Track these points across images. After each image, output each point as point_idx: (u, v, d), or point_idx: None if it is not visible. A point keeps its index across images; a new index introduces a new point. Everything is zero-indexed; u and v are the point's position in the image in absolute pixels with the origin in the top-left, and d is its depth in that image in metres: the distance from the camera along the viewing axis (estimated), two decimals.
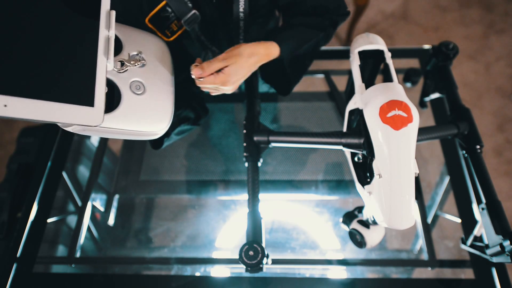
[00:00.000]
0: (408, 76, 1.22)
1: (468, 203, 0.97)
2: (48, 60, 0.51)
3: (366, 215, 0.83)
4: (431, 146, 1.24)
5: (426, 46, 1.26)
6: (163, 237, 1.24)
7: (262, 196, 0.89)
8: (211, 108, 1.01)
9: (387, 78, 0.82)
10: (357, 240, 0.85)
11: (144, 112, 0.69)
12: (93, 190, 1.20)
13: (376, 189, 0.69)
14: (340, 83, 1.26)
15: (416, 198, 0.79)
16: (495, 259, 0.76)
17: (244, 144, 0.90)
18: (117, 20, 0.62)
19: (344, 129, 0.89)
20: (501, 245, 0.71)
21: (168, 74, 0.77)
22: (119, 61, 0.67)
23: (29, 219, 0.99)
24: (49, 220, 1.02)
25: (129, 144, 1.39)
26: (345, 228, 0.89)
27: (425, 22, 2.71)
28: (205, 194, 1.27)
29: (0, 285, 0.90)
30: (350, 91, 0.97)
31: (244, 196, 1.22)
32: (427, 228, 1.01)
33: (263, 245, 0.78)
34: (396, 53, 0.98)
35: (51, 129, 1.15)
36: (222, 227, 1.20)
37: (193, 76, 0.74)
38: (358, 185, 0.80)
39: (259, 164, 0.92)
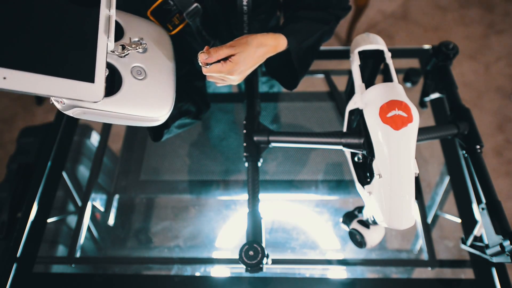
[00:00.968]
0: (408, 76, 1.22)
1: (468, 203, 0.97)
2: (49, 35, 0.52)
3: (366, 215, 0.83)
4: (431, 146, 1.24)
5: (426, 46, 1.26)
6: (163, 237, 1.24)
7: (262, 196, 0.89)
8: (211, 108, 1.01)
9: (387, 78, 0.82)
10: (357, 240, 0.85)
11: (145, 97, 0.68)
12: (93, 190, 1.20)
13: (376, 189, 0.69)
14: (340, 83, 1.26)
15: (416, 198, 0.80)
16: (495, 259, 0.76)
17: (244, 144, 0.90)
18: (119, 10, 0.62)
19: (344, 129, 0.89)
20: (501, 245, 0.71)
21: (169, 61, 0.77)
22: (120, 45, 0.67)
23: (29, 219, 0.99)
24: (49, 220, 1.02)
25: (129, 144, 1.38)
26: (345, 228, 0.89)
27: (425, 22, 2.71)
28: (205, 194, 1.27)
29: (0, 285, 0.90)
30: (350, 91, 0.97)
31: (244, 196, 1.22)
32: (427, 228, 1.01)
33: (263, 245, 0.78)
34: (396, 53, 0.98)
35: (51, 129, 1.15)
36: (222, 227, 1.20)
37: (200, 63, 0.72)
38: (358, 185, 0.80)
39: (259, 164, 0.92)
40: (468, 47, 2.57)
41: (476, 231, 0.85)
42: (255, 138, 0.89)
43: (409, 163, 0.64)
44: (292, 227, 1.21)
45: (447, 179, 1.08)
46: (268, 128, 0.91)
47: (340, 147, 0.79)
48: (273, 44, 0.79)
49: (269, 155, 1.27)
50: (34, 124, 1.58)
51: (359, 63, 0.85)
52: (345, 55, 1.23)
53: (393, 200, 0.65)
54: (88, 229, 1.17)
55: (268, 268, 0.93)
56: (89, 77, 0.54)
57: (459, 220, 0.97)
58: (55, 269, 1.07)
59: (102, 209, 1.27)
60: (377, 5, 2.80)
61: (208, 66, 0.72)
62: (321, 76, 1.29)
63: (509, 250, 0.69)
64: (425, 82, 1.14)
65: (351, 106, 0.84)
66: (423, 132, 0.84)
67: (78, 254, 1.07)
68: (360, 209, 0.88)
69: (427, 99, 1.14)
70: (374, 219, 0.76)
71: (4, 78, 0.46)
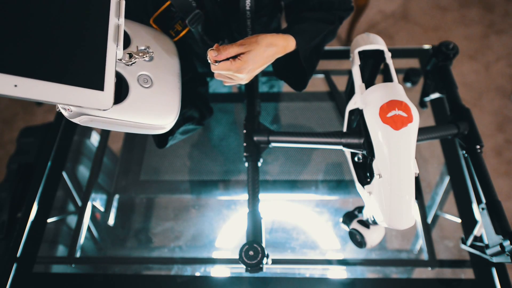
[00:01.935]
0: (408, 76, 1.22)
1: (468, 203, 0.97)
2: (60, 44, 0.52)
3: (366, 215, 0.83)
4: (431, 146, 1.24)
5: (426, 46, 1.26)
6: (163, 237, 1.24)
7: (262, 196, 0.89)
8: None
9: (387, 78, 0.82)
10: (357, 240, 0.85)
11: (152, 105, 0.69)
12: (93, 190, 1.20)
13: (376, 189, 0.69)
14: (340, 83, 1.26)
15: (416, 198, 0.79)
16: (495, 259, 0.76)
17: (244, 144, 0.90)
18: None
19: (344, 129, 0.89)
20: (501, 245, 0.71)
21: (175, 69, 0.77)
22: (127, 53, 0.68)
23: (29, 219, 0.99)
24: (49, 220, 1.02)
25: (129, 144, 1.38)
26: (345, 228, 0.89)
27: (425, 22, 2.71)
28: (205, 194, 1.27)
29: (0, 285, 0.90)
30: (350, 91, 0.97)
31: (244, 196, 1.22)
32: (427, 228, 1.01)
33: (263, 245, 0.78)
34: (396, 53, 0.98)
35: (51, 129, 1.15)
36: (222, 227, 1.20)
37: (209, 60, 0.72)
38: (358, 185, 0.80)
39: (259, 164, 0.92)
40: (468, 47, 2.57)
41: (476, 231, 0.85)
42: (255, 138, 0.89)
43: (409, 163, 0.64)
44: (292, 227, 1.21)
45: (447, 179, 1.08)
46: (268, 128, 0.91)
47: (340, 147, 0.79)
48: (282, 44, 0.78)
49: (269, 155, 1.27)
50: (34, 124, 1.58)
51: (359, 63, 0.85)
52: (345, 55, 1.23)
53: (393, 200, 0.65)
54: (88, 229, 1.17)
55: (268, 268, 0.93)
56: (99, 85, 0.55)
57: (459, 220, 0.97)
58: (55, 269, 1.07)
59: (102, 209, 1.27)
60: (377, 5, 2.80)
61: (217, 64, 0.72)
62: (321, 76, 1.29)
63: (509, 250, 0.69)
64: (425, 82, 1.14)
65: (351, 106, 0.84)
66: (423, 132, 0.84)
67: (78, 254, 1.07)
68: (360, 209, 0.88)
69: (427, 99, 1.14)
70: (374, 219, 0.76)
71: (15, 85, 0.46)
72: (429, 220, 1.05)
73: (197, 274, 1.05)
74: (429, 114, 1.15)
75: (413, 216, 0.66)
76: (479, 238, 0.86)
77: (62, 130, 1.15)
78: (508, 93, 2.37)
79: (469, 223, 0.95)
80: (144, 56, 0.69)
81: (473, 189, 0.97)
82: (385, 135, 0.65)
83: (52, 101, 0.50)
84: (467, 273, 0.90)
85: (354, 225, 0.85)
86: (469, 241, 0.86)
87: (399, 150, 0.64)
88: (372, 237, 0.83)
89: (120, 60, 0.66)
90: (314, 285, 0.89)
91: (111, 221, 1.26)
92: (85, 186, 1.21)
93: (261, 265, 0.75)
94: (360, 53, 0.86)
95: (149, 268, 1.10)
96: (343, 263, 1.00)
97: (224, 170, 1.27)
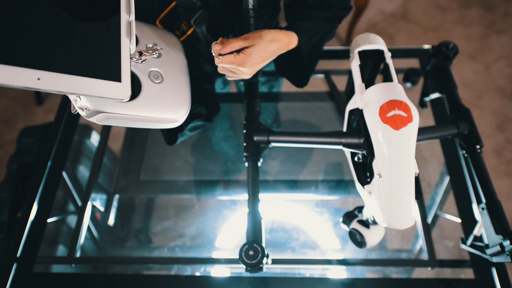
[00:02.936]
0: (408, 76, 1.22)
1: (468, 203, 0.97)
2: (78, 40, 0.56)
3: (366, 215, 0.83)
4: (431, 146, 1.24)
5: (426, 46, 1.26)
6: (163, 237, 1.24)
7: (262, 196, 0.89)
8: None
9: (387, 78, 0.82)
10: (357, 240, 0.85)
11: (164, 100, 0.72)
12: (93, 190, 1.20)
13: (376, 189, 0.69)
14: (340, 83, 1.26)
15: (416, 198, 0.79)
16: (495, 259, 0.76)
17: (244, 144, 0.90)
18: None
19: (344, 129, 0.89)
20: (501, 245, 0.71)
21: (182, 65, 0.80)
22: (137, 52, 0.70)
23: (29, 219, 0.99)
24: (49, 220, 1.02)
25: (129, 144, 1.39)
26: (345, 228, 0.89)
27: (425, 22, 2.71)
28: (205, 194, 1.27)
29: (0, 285, 0.90)
30: (350, 91, 0.97)
31: (244, 196, 1.22)
32: (427, 228, 1.01)
33: (263, 245, 0.78)
34: (396, 53, 0.98)
35: (51, 129, 1.15)
36: (222, 227, 1.20)
37: (213, 53, 0.73)
38: (358, 185, 0.80)
39: (259, 164, 0.92)
40: (468, 47, 2.57)
41: (476, 231, 0.85)
42: (255, 138, 0.89)
43: (409, 163, 0.64)
44: (292, 227, 1.21)
45: (447, 179, 1.08)
46: (268, 128, 0.91)
47: (340, 147, 0.79)
48: (286, 40, 0.79)
49: (269, 155, 1.27)
50: (34, 124, 1.58)
51: (359, 63, 0.85)
52: (345, 55, 1.23)
53: (393, 200, 0.65)
54: (88, 229, 1.17)
55: (268, 268, 0.93)
56: (116, 77, 0.59)
57: (459, 220, 0.97)
58: (55, 269, 1.07)
59: (102, 209, 1.27)
60: (377, 5, 2.80)
61: (221, 57, 0.73)
62: (321, 76, 1.29)
63: (509, 250, 0.69)
64: (425, 82, 1.14)
65: (351, 106, 0.84)
66: (423, 132, 0.84)
67: (78, 254, 1.07)
68: (360, 209, 0.88)
69: (427, 99, 1.14)
70: (374, 219, 0.76)
71: (39, 79, 0.50)
72: (429, 220, 1.05)
73: (197, 274, 1.05)
74: (429, 114, 1.15)
75: (413, 216, 0.66)
76: (479, 238, 0.86)
77: (62, 130, 1.15)
78: (508, 93, 2.37)
79: (469, 223, 0.95)
80: (153, 53, 0.72)
81: (473, 189, 0.97)
82: (385, 135, 0.65)
83: (73, 92, 0.53)
84: (467, 273, 0.90)
85: (354, 225, 0.85)
86: (469, 241, 0.86)
87: (399, 150, 0.64)
88: (372, 237, 0.83)
89: (131, 58, 0.68)
90: (314, 285, 0.89)
91: (111, 221, 1.27)
92: (85, 186, 1.21)
93: (261, 265, 0.75)
94: (360, 53, 0.86)
95: (149, 268, 1.10)
96: (343, 263, 1.00)
97: (224, 170, 1.27)
